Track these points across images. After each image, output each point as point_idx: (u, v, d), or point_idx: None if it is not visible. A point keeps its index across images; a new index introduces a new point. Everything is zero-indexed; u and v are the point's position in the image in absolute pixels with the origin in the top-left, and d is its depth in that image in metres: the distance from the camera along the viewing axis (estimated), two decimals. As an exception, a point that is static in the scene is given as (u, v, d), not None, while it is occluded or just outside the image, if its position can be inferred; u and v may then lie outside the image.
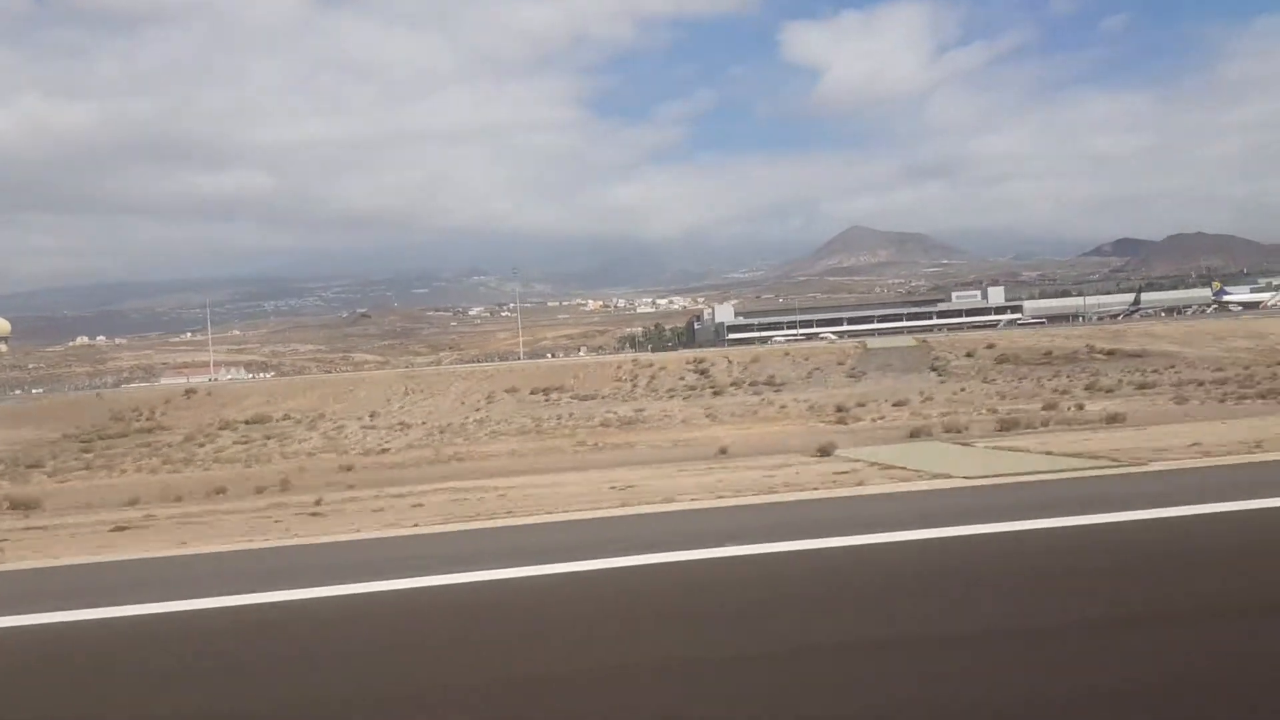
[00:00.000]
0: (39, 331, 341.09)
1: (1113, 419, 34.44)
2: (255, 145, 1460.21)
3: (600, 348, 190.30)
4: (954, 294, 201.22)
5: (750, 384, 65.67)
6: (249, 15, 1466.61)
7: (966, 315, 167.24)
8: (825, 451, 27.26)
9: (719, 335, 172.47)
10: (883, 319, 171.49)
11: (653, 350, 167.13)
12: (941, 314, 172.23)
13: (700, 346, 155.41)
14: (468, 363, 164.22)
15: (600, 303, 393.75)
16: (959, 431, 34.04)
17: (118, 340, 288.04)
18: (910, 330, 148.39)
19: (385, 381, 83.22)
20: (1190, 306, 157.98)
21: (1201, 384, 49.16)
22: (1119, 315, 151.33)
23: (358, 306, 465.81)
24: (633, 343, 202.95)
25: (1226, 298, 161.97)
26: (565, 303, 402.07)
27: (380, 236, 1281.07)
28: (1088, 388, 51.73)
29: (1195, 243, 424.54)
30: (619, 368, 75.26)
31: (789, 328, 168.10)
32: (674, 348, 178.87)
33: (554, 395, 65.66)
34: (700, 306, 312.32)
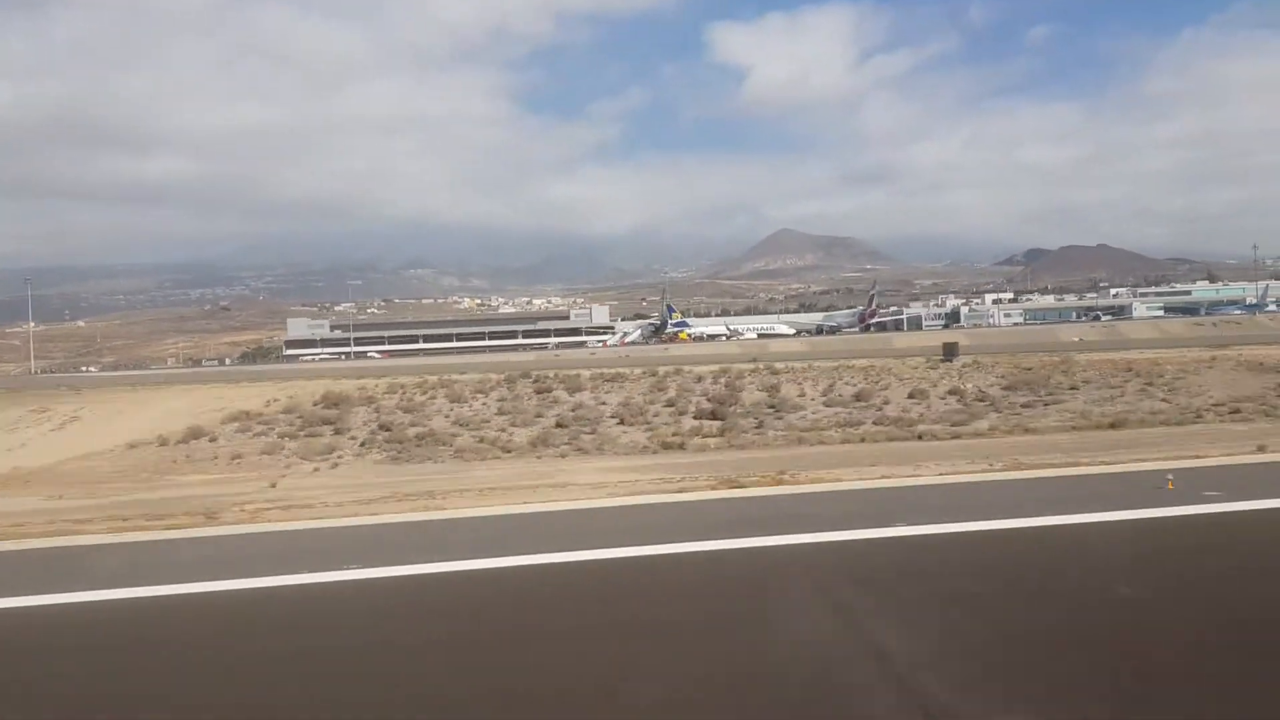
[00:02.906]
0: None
1: None
2: (182, 130, 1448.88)
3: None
4: (572, 312, 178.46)
5: None
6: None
7: (555, 335, 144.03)
8: None
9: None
10: (461, 337, 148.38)
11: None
12: (528, 334, 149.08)
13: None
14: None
15: (478, 301, 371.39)
16: None
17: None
18: (489, 349, 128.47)
19: None
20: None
21: None
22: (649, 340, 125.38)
23: (290, 295, 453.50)
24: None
25: (685, 328, 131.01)
26: (442, 300, 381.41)
27: (322, 226, 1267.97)
28: None
29: (1087, 254, 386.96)
30: None
31: (350, 345, 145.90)
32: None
33: None
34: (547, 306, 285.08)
